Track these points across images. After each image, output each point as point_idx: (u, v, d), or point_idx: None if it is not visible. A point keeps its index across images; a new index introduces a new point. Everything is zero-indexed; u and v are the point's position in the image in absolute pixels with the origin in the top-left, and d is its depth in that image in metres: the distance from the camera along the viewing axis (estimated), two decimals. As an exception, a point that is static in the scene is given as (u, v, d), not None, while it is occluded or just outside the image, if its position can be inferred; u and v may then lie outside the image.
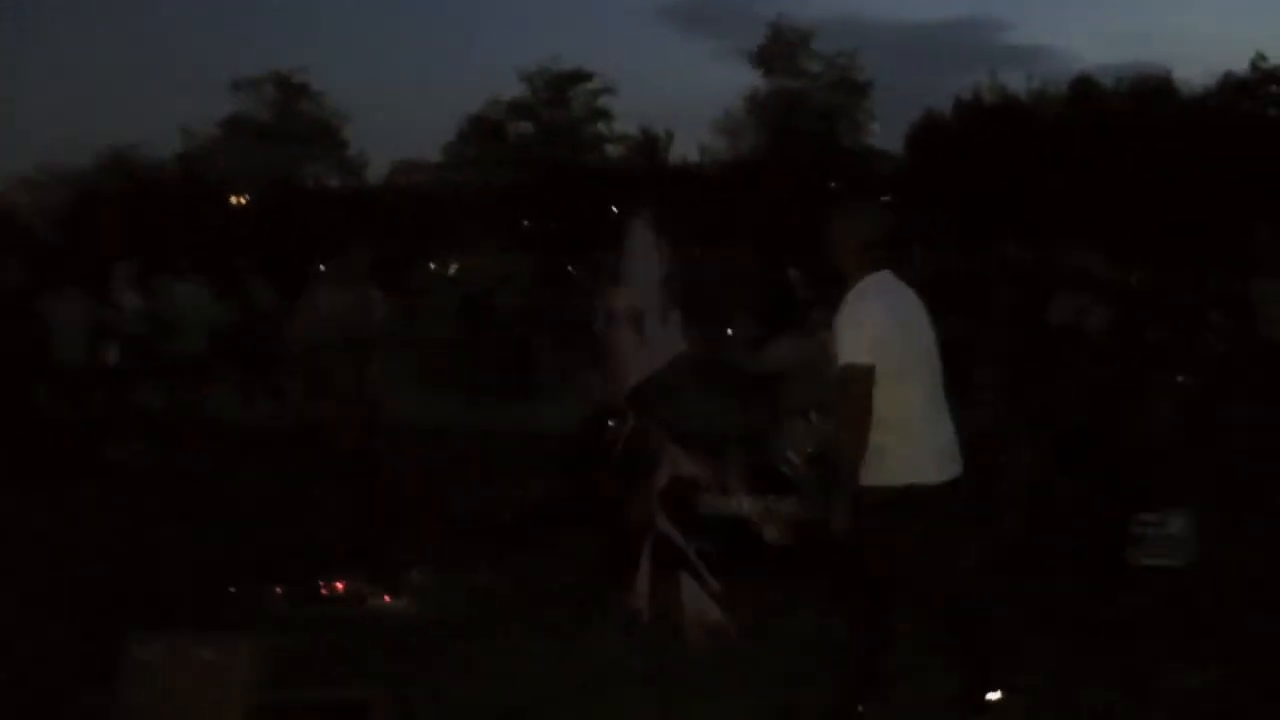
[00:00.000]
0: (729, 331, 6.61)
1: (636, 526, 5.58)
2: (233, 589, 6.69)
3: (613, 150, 38.27)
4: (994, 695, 4.78)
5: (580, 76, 37.92)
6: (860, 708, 4.88)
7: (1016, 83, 35.46)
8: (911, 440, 4.87)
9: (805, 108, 35.24)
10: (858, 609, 4.98)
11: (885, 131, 36.21)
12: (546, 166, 34.24)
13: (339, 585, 7.13)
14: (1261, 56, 33.50)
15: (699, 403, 6.87)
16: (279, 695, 5.33)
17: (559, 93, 37.91)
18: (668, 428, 5.68)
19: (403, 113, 56.78)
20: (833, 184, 29.83)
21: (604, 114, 38.35)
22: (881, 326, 4.94)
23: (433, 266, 23.05)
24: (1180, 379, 8.57)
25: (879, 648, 4.93)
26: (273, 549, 7.01)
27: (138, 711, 5.08)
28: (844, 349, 4.93)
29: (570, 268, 17.35)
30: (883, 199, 27.31)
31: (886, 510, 4.82)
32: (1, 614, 6.21)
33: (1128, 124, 29.92)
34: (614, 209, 27.43)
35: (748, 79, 36.64)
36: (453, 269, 18.95)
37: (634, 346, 6.04)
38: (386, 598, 6.98)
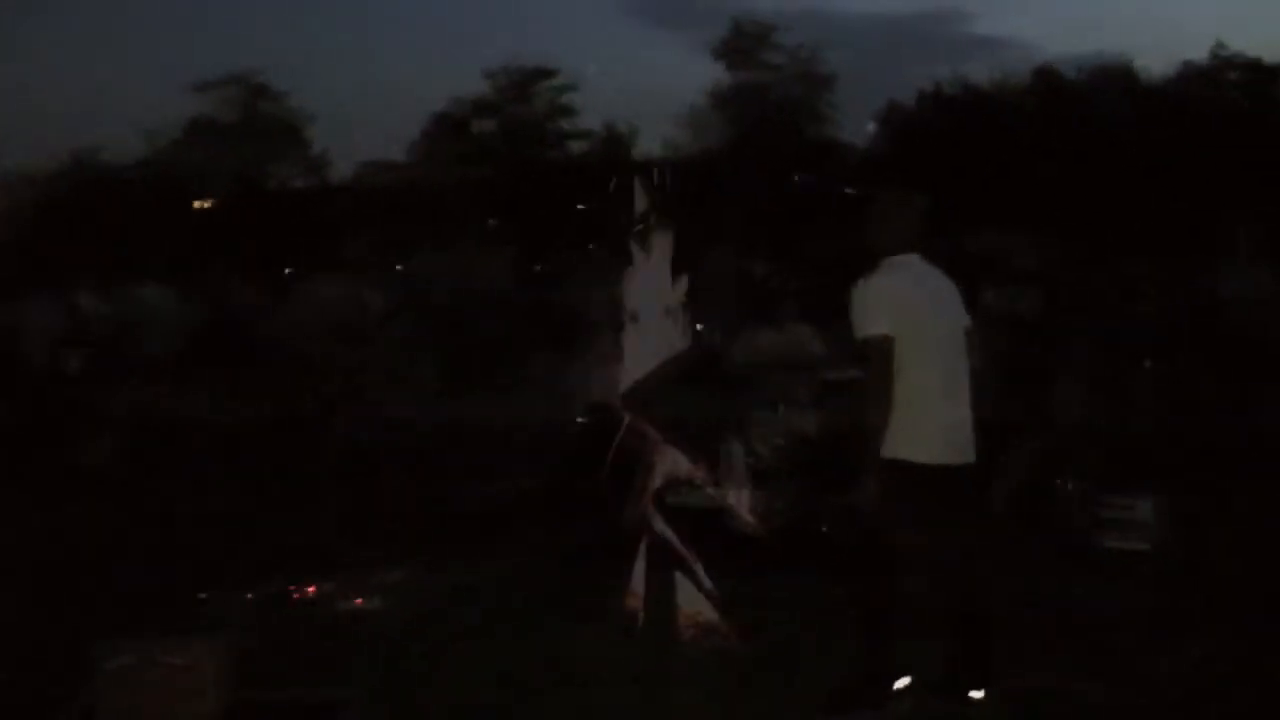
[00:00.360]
0: (698, 327, 6.60)
1: (632, 528, 5.59)
2: (203, 595, 6.66)
3: (576, 146, 38.22)
4: (977, 694, 4.80)
5: (543, 73, 37.83)
6: (893, 684, 4.87)
7: (979, 73, 35.67)
8: (916, 417, 4.86)
9: (769, 101, 35.26)
10: (865, 590, 4.98)
11: (850, 124, 36.31)
12: (511, 163, 34.17)
13: (310, 589, 7.10)
14: (1221, 45, 33.84)
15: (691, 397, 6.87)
16: (248, 697, 5.32)
17: (522, 90, 37.81)
18: (665, 428, 5.69)
19: (367, 112, 56.47)
20: (798, 177, 29.88)
21: (568, 110, 38.30)
22: (900, 301, 4.95)
23: (399, 268, 22.95)
24: (1147, 364, 8.63)
25: (889, 630, 4.92)
26: (244, 554, 6.98)
27: (108, 717, 5.07)
28: (863, 322, 4.94)
29: (538, 265, 17.32)
30: (848, 190, 27.43)
31: (883, 483, 4.83)
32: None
33: (1088, 112, 30.12)
34: (579, 206, 27.41)
35: (712, 74, 36.68)
36: (403, 266, 18.86)
37: (637, 345, 6.05)
38: (358, 600, 6.96)
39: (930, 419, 4.93)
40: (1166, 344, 8.57)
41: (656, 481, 5.59)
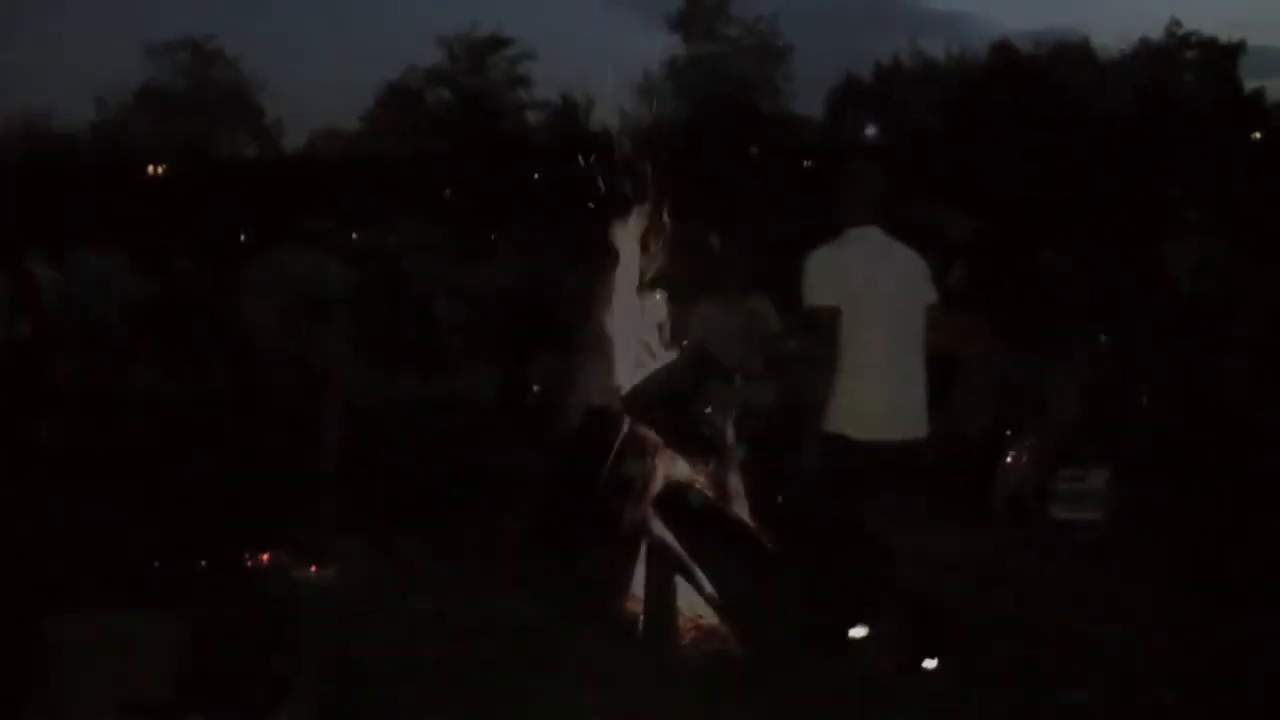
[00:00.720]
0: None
1: (632, 531, 5.57)
2: (156, 564, 6.61)
3: (532, 117, 38.03)
4: (930, 663, 4.84)
5: (498, 42, 37.61)
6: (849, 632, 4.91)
7: (936, 48, 35.80)
8: (858, 391, 4.87)
9: (724, 73, 35.25)
10: (824, 557, 5.00)
11: (805, 97, 36.35)
12: (466, 134, 33.97)
13: (263, 557, 7.07)
14: (1177, 23, 34.12)
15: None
16: (202, 666, 5.29)
17: (477, 59, 37.59)
18: (664, 430, 5.68)
19: (320, 81, 55.96)
20: (753, 149, 29.90)
21: (523, 80, 38.10)
22: (849, 273, 4.95)
23: (354, 236, 22.78)
24: (1102, 339, 8.69)
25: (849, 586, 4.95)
26: (198, 523, 6.92)
27: (61, 688, 5.03)
28: (809, 293, 4.95)
29: (492, 236, 17.23)
30: (804, 164, 27.45)
31: (826, 455, 4.85)
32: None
33: (1044, 87, 30.27)
34: (535, 176, 27.27)
35: (668, 46, 36.60)
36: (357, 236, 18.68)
37: (632, 349, 6.03)
38: (313, 568, 6.93)
39: (872, 394, 4.93)
40: (1119, 318, 8.63)
41: (656, 485, 5.58)
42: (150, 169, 32.49)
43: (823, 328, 4.78)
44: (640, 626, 5.28)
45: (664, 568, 5.46)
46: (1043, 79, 31.06)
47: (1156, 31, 34.31)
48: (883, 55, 35.35)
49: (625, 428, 5.63)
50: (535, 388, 7.49)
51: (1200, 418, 8.06)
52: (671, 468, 5.82)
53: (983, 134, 27.85)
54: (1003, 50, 34.22)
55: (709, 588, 5.30)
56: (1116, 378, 8.42)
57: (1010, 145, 26.54)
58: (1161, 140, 25.19)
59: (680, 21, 36.78)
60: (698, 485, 5.59)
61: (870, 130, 32.05)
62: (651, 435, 5.69)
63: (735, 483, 5.58)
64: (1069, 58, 32.73)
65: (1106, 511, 6.91)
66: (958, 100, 30.87)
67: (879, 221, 4.99)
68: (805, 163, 27.60)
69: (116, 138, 32.43)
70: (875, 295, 4.89)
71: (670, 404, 5.53)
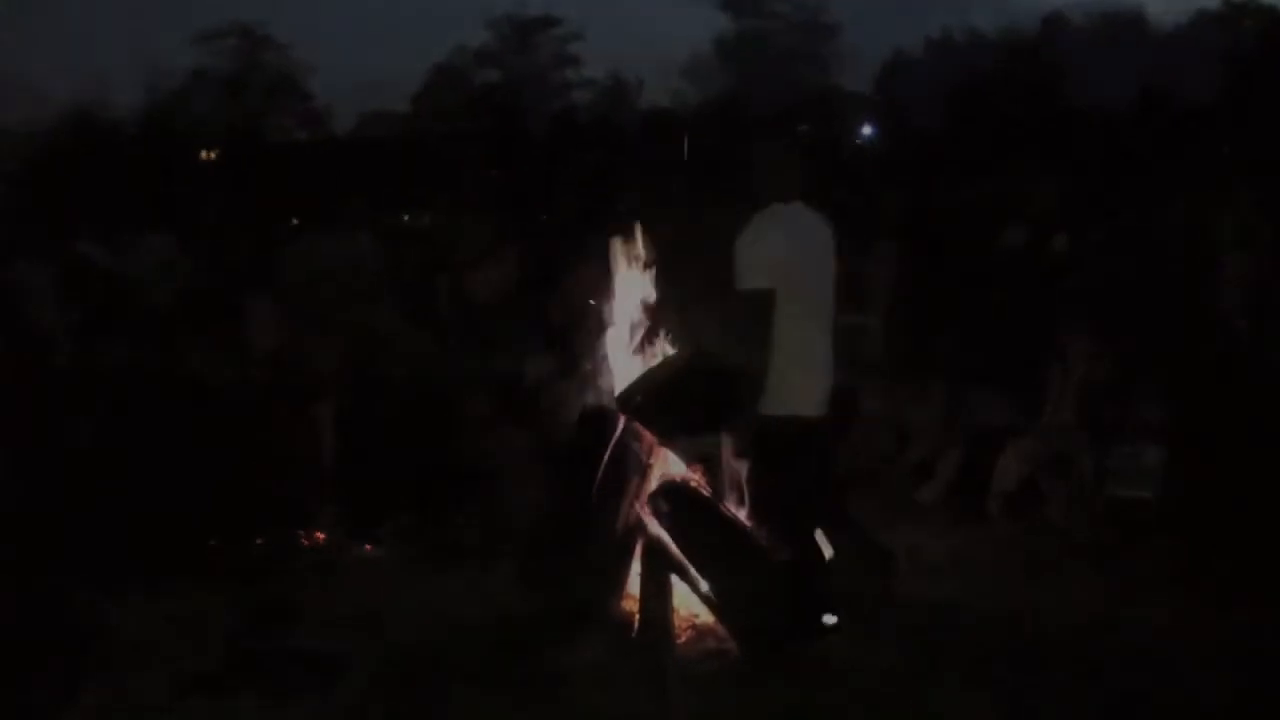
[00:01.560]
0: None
1: (627, 531, 5.57)
2: (213, 542, 6.66)
3: (581, 97, 37.97)
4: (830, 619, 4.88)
5: (547, 22, 37.57)
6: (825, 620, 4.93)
7: (986, 22, 35.47)
8: (798, 370, 4.89)
9: (773, 50, 35.06)
10: (786, 534, 5.02)
11: (855, 74, 36.08)
12: (515, 115, 33.96)
13: (319, 536, 7.12)
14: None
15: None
16: (258, 643, 5.34)
17: (525, 39, 37.56)
18: (660, 430, 5.66)
19: (369, 64, 56.11)
20: (803, 127, 29.71)
21: (572, 60, 38.05)
22: (782, 253, 4.93)
23: (405, 219, 22.89)
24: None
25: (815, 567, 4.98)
26: (253, 502, 6.96)
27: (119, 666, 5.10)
28: (743, 275, 4.92)
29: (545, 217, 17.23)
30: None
31: (777, 437, 4.86)
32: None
33: (1097, 59, 29.90)
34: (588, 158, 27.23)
35: (718, 23, 36.46)
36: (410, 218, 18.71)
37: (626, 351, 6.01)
38: (368, 547, 6.97)
39: (811, 372, 4.96)
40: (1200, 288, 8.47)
41: (652, 484, 5.58)
42: (202, 153, 32.78)
43: (760, 311, 4.78)
44: (635, 625, 5.28)
45: (659, 566, 5.46)
46: (1096, 51, 30.69)
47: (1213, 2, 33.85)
48: (931, 30, 35.07)
49: (619, 425, 5.63)
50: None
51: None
52: (666, 466, 5.81)
53: (1035, 108, 27.56)
54: (1055, 22, 33.84)
55: (705, 586, 5.28)
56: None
57: (1064, 118, 26.25)
58: (1219, 110, 24.81)
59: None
60: (693, 483, 5.58)
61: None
62: (647, 434, 5.68)
63: (731, 480, 5.57)
64: (1123, 29, 32.29)
65: (1159, 490, 6.83)
66: (1008, 74, 30.56)
67: (800, 196, 5.01)
68: (856, 140, 27.48)
69: (168, 122, 32.71)
70: (807, 274, 4.92)
71: (662, 400, 5.52)
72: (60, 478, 6.90)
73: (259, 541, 6.64)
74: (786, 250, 4.81)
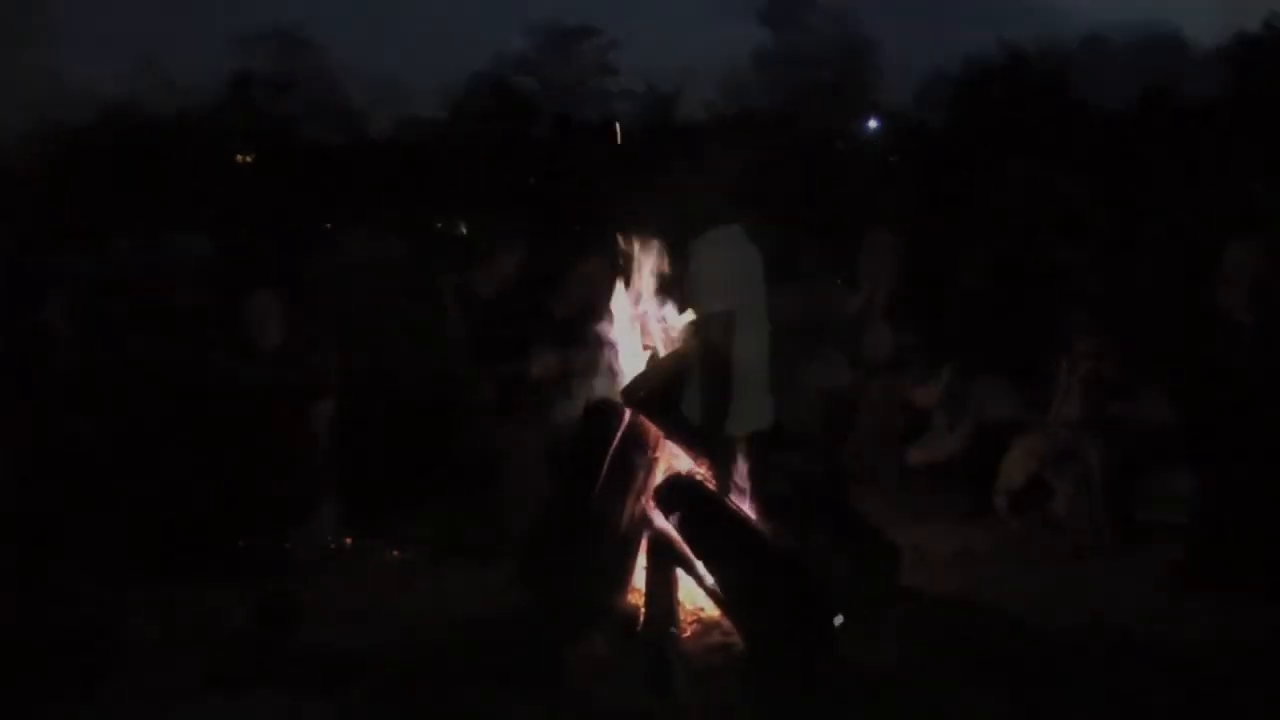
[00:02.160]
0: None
1: (632, 525, 5.59)
2: (242, 544, 6.70)
3: (619, 106, 37.97)
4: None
5: (586, 31, 37.60)
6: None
7: (1024, 40, 35.20)
8: (752, 387, 5.00)
9: (811, 65, 34.92)
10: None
11: (894, 90, 35.92)
12: (552, 123, 33.98)
13: (347, 540, 7.15)
14: (1276, 15, 33.23)
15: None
16: (268, 642, 5.37)
17: (564, 48, 37.59)
18: (665, 424, 5.68)
19: (407, 69, 56.30)
20: (840, 145, 29.62)
21: (610, 70, 38.04)
22: (742, 274, 5.03)
23: (439, 225, 22.94)
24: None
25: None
26: (280, 504, 7.00)
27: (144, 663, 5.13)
28: (709, 297, 5.00)
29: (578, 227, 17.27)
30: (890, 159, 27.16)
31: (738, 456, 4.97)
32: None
33: (1136, 80, 29.70)
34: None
35: (756, 36, 36.32)
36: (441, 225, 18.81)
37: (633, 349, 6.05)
38: (396, 552, 6.99)
39: (761, 387, 5.06)
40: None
41: (657, 478, 5.60)
42: (240, 156, 32.88)
43: (723, 334, 4.87)
44: (641, 620, 5.30)
45: (665, 560, 5.47)
46: (1135, 71, 30.48)
47: (1253, 25, 33.53)
48: (970, 47, 34.84)
49: (624, 419, 5.66)
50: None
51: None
52: (672, 460, 5.84)
53: (1076, 126, 27.38)
54: (1094, 43, 33.62)
55: (709, 580, 5.30)
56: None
57: (1106, 137, 26.08)
58: (1260, 134, 24.61)
59: (767, 13, 36.51)
60: (698, 477, 5.59)
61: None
62: (652, 427, 5.70)
63: (736, 475, 5.60)
64: (1162, 51, 32.06)
65: (1192, 514, 6.76)
66: (1048, 92, 30.37)
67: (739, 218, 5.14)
68: (890, 158, 27.35)
69: (207, 125, 32.82)
70: (755, 294, 5.03)
71: (667, 393, 5.55)
72: (74, 476, 6.97)
73: (287, 546, 6.70)
74: (743, 269, 4.94)
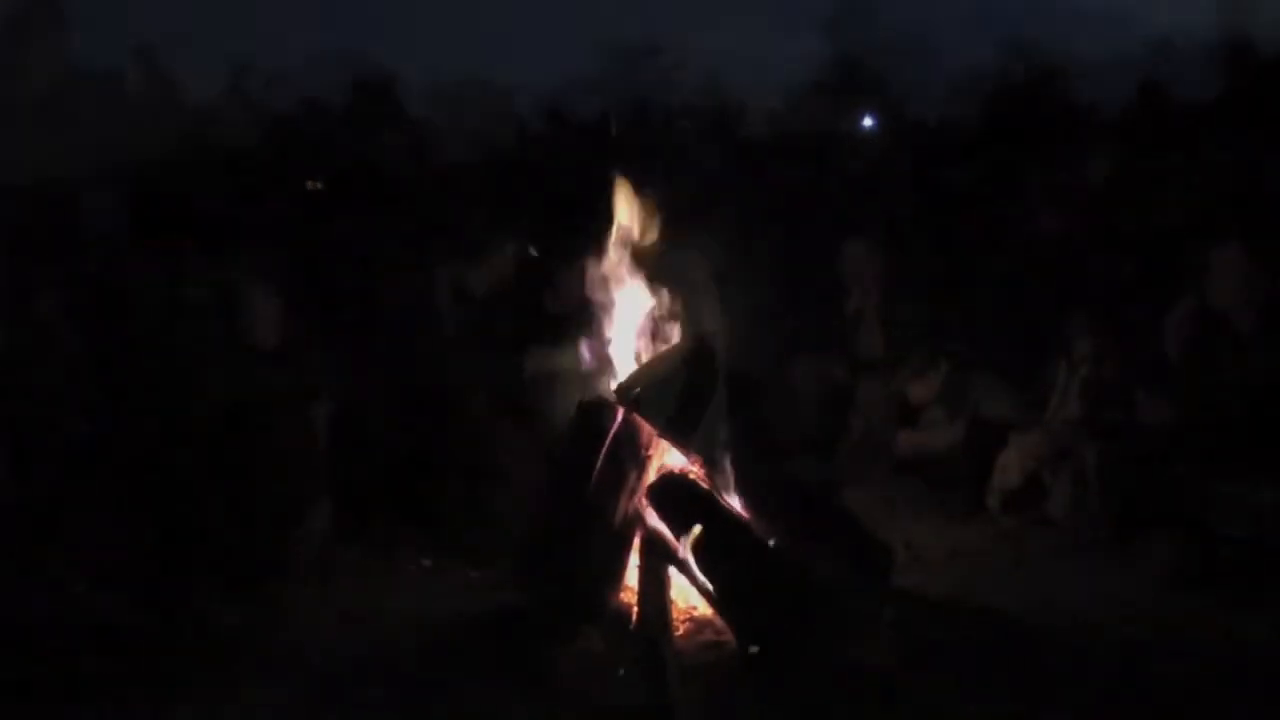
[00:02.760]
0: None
1: (625, 523, 5.66)
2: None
3: (684, 124, 38.03)
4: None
5: (650, 50, 37.81)
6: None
7: (1095, 49, 34.91)
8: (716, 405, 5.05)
9: (874, 77, 34.90)
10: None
11: (957, 101, 35.70)
12: (616, 141, 34.17)
13: (425, 563, 7.18)
14: (1336, 22, 32.58)
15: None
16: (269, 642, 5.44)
17: (629, 67, 37.82)
18: (660, 422, 5.75)
19: (474, 94, 56.59)
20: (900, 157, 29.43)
21: (675, 88, 38.19)
22: (715, 297, 5.09)
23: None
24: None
25: None
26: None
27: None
28: (700, 316, 5.03)
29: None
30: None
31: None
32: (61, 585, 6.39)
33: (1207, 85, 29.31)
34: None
35: (819, 50, 36.31)
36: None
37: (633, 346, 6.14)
38: (426, 563, 7.08)
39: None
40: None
41: (651, 476, 5.65)
42: (310, 183, 33.37)
43: (711, 357, 4.92)
44: (634, 618, 5.36)
45: (658, 559, 5.53)
46: (1205, 77, 30.06)
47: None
48: (1036, 56, 34.53)
49: (618, 417, 5.72)
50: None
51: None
52: (665, 458, 5.89)
53: (1145, 134, 27.02)
54: (1164, 49, 33.26)
55: (702, 578, 5.35)
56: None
57: (1174, 145, 25.71)
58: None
59: (830, 26, 36.52)
60: (692, 476, 5.65)
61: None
62: (645, 426, 5.76)
63: (729, 474, 5.65)
64: (1233, 54, 31.59)
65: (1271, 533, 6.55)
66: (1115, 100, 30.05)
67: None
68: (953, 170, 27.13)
69: (276, 146, 33.32)
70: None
71: (661, 392, 5.62)
72: (73, 476, 7.13)
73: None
74: (714, 293, 5.01)
